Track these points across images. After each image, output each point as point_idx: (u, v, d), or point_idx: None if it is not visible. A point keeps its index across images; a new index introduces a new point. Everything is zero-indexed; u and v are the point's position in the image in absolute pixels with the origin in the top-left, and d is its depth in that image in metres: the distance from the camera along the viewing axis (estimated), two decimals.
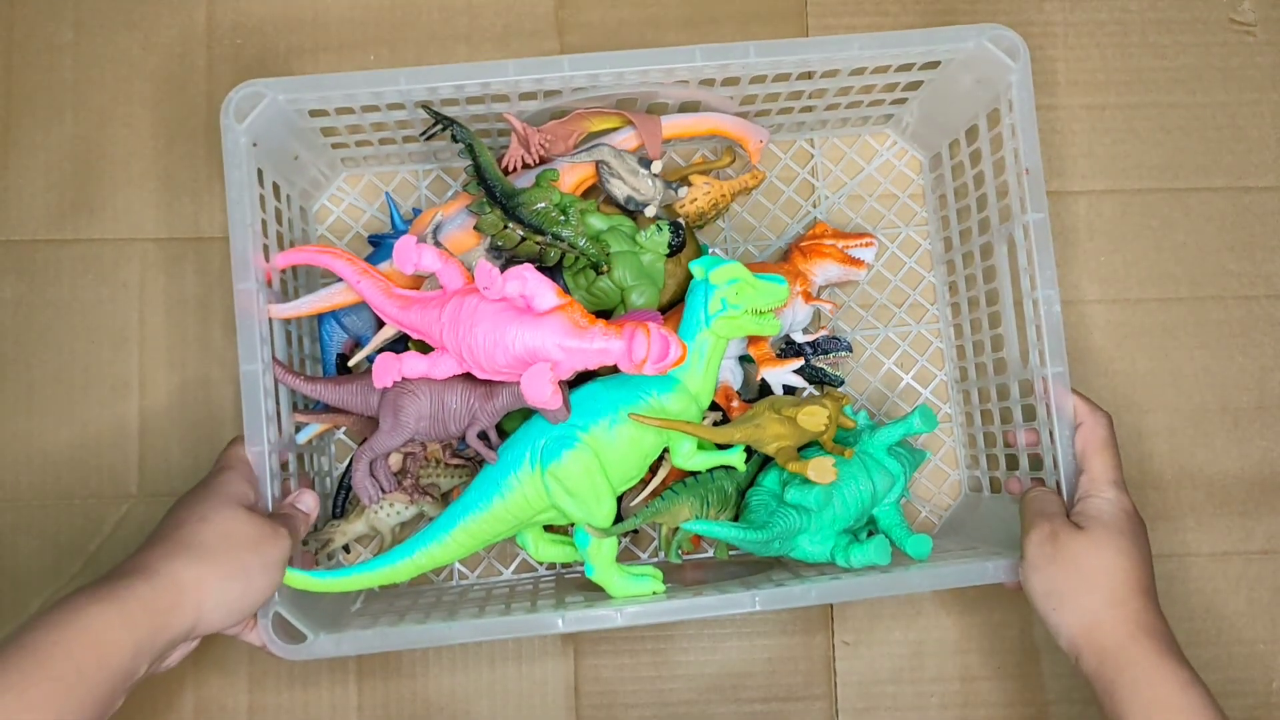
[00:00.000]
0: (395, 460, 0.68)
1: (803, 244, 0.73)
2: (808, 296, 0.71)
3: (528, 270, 0.58)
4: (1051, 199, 0.65)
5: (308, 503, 0.63)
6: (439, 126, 0.65)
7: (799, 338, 0.72)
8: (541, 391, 0.57)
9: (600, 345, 0.58)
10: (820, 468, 0.63)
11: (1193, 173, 0.78)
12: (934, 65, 0.67)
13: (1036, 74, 0.64)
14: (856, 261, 0.72)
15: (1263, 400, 0.77)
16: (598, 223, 0.66)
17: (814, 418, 0.64)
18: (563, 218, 0.65)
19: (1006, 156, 0.64)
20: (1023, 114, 0.63)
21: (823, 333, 0.74)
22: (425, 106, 0.64)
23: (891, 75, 0.68)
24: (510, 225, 0.64)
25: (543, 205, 0.64)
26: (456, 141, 0.65)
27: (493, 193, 0.64)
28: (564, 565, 0.73)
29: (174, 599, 0.52)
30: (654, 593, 0.64)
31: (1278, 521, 0.76)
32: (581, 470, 0.60)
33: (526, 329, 0.58)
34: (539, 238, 0.65)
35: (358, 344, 0.72)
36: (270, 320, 0.63)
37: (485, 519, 0.62)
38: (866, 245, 0.73)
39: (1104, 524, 0.58)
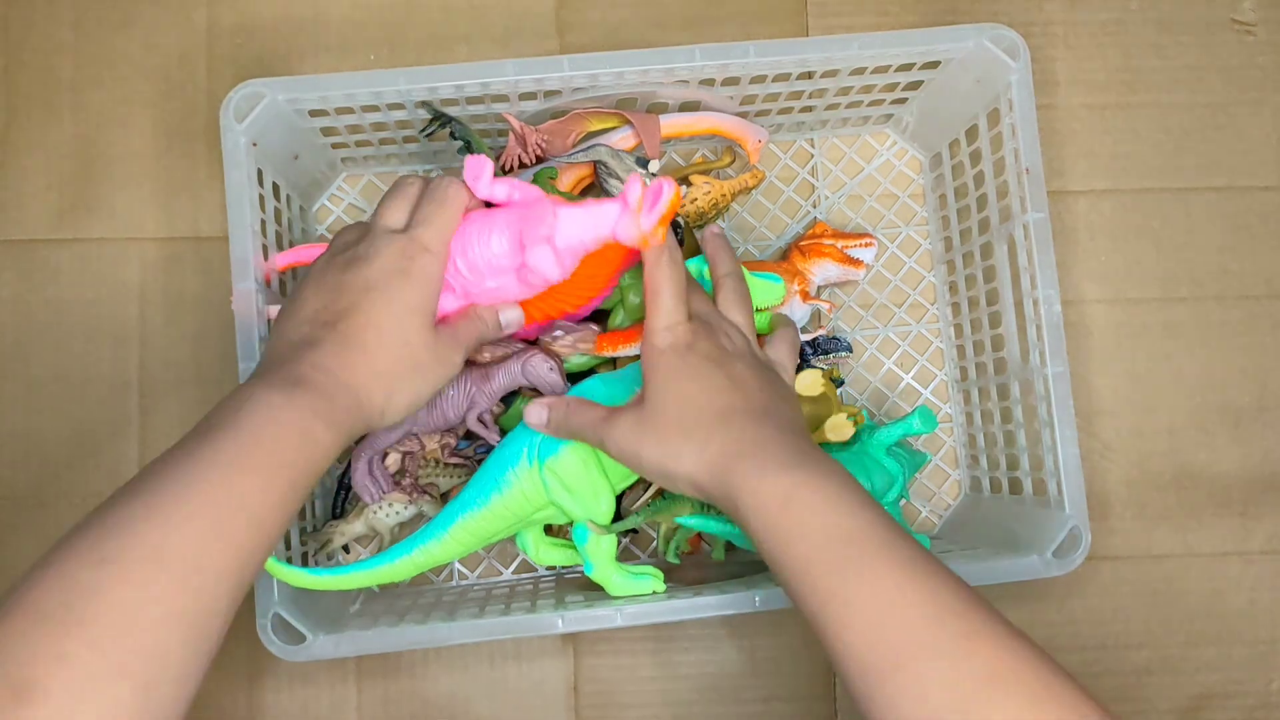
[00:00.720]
0: (394, 460, 0.68)
1: (802, 244, 0.73)
2: (805, 296, 0.71)
3: (518, 180, 0.58)
4: (1051, 199, 0.65)
5: (511, 316, 0.60)
6: (437, 124, 0.65)
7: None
8: (548, 266, 0.55)
9: (595, 207, 0.56)
10: (836, 426, 0.64)
11: (1193, 173, 0.78)
12: (934, 65, 0.67)
13: (1036, 74, 0.64)
14: (855, 261, 0.72)
15: (1263, 400, 0.77)
16: None
17: (808, 382, 0.65)
18: None
19: (1006, 156, 0.64)
20: (1023, 114, 0.63)
21: (821, 333, 0.74)
22: (425, 105, 0.64)
23: (891, 75, 0.68)
24: None
25: None
26: (455, 139, 0.65)
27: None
28: (564, 566, 0.73)
29: (364, 416, 0.53)
30: (654, 591, 0.63)
31: (1278, 521, 0.76)
32: (579, 466, 0.60)
33: (517, 211, 0.57)
34: None
35: None
36: (270, 320, 0.63)
37: (484, 516, 0.61)
38: (866, 245, 0.73)
39: (650, 382, 0.55)
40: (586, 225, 0.55)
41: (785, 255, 0.73)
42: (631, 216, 0.54)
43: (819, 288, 0.73)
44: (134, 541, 0.43)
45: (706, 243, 0.64)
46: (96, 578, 0.42)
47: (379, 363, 0.53)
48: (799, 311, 0.71)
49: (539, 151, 0.68)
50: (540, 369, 0.64)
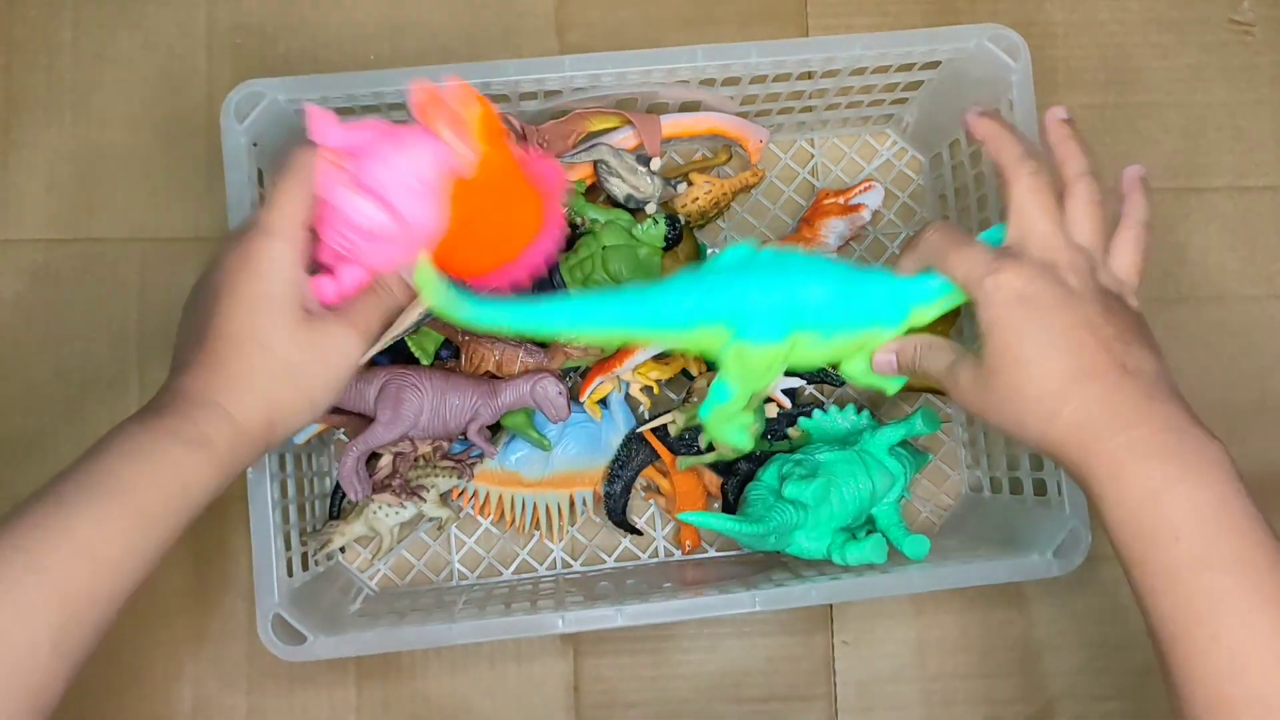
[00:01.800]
0: (386, 461, 0.68)
1: (805, 215, 0.74)
2: None
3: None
4: None
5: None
6: None
7: None
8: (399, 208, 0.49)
9: (412, 140, 0.49)
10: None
11: (1193, 173, 0.78)
12: (934, 65, 0.67)
13: (1037, 74, 0.64)
14: (855, 208, 0.73)
15: (1263, 400, 0.77)
16: (594, 213, 0.66)
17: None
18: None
19: None
20: (1023, 114, 0.63)
21: None
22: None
23: (892, 75, 0.68)
24: None
25: None
26: None
27: None
28: (564, 565, 0.73)
29: (250, 437, 0.48)
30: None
31: (1278, 521, 0.75)
32: (768, 362, 0.54)
33: (371, 161, 0.49)
34: None
35: None
36: None
37: (644, 329, 0.54)
38: (866, 189, 0.74)
39: (991, 340, 0.48)
40: (413, 159, 0.49)
41: (795, 231, 0.74)
42: (437, 140, 0.48)
43: (836, 249, 0.74)
44: None
45: (1050, 133, 0.52)
46: None
47: (241, 374, 0.48)
48: None
49: (539, 151, 0.68)
50: (549, 392, 0.64)
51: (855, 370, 0.56)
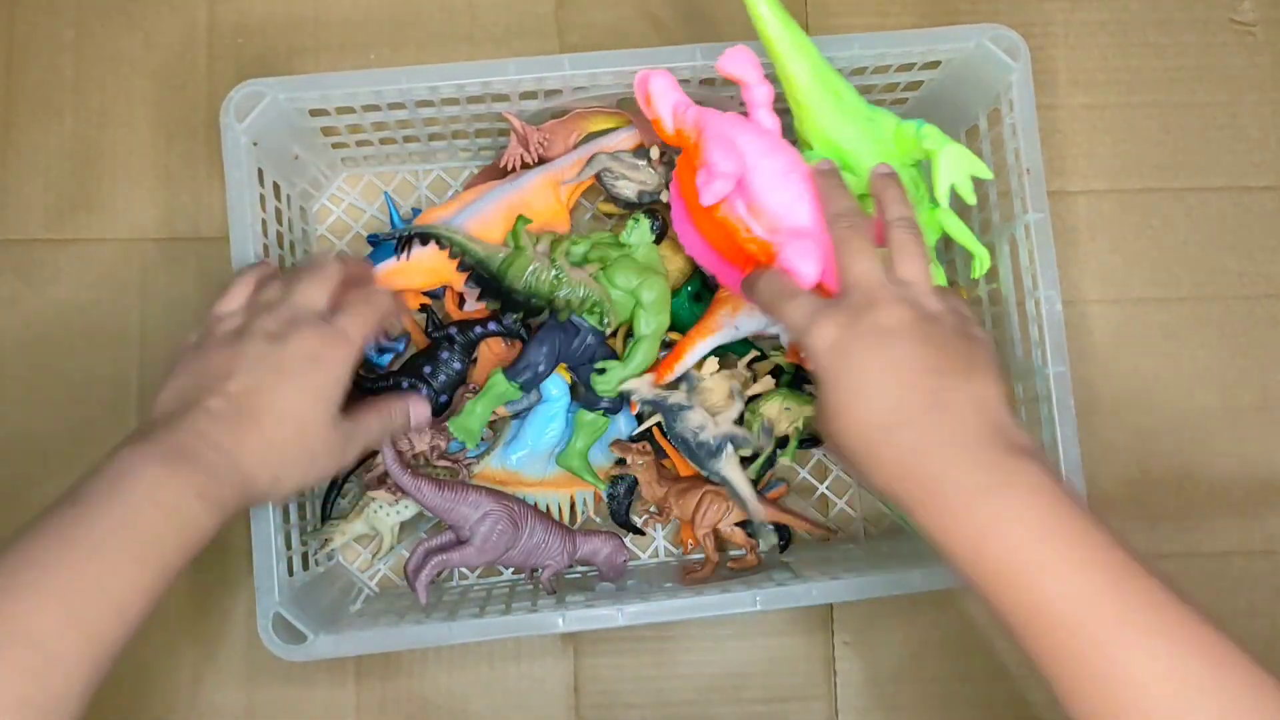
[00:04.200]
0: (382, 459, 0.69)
1: None
2: None
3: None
4: (1052, 199, 0.65)
5: (419, 413, 0.63)
6: (417, 241, 0.65)
7: None
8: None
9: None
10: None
11: (1193, 173, 0.78)
12: (934, 65, 0.67)
13: (1037, 74, 0.64)
14: None
15: (1263, 400, 0.77)
16: (579, 249, 0.66)
17: None
18: (552, 274, 0.64)
19: (1007, 156, 0.64)
20: (1023, 114, 0.63)
21: None
22: (398, 236, 0.65)
23: (892, 75, 0.68)
24: (508, 309, 0.65)
25: (531, 271, 0.64)
26: (442, 247, 0.65)
27: (487, 284, 0.65)
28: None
29: (248, 495, 0.51)
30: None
31: (1278, 521, 0.76)
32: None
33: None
34: (540, 306, 0.65)
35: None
36: None
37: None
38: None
39: (820, 390, 0.49)
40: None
41: None
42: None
43: None
44: None
45: (872, 184, 0.55)
46: None
47: (274, 445, 0.51)
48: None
49: (540, 151, 0.68)
50: (616, 559, 0.69)
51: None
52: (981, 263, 0.63)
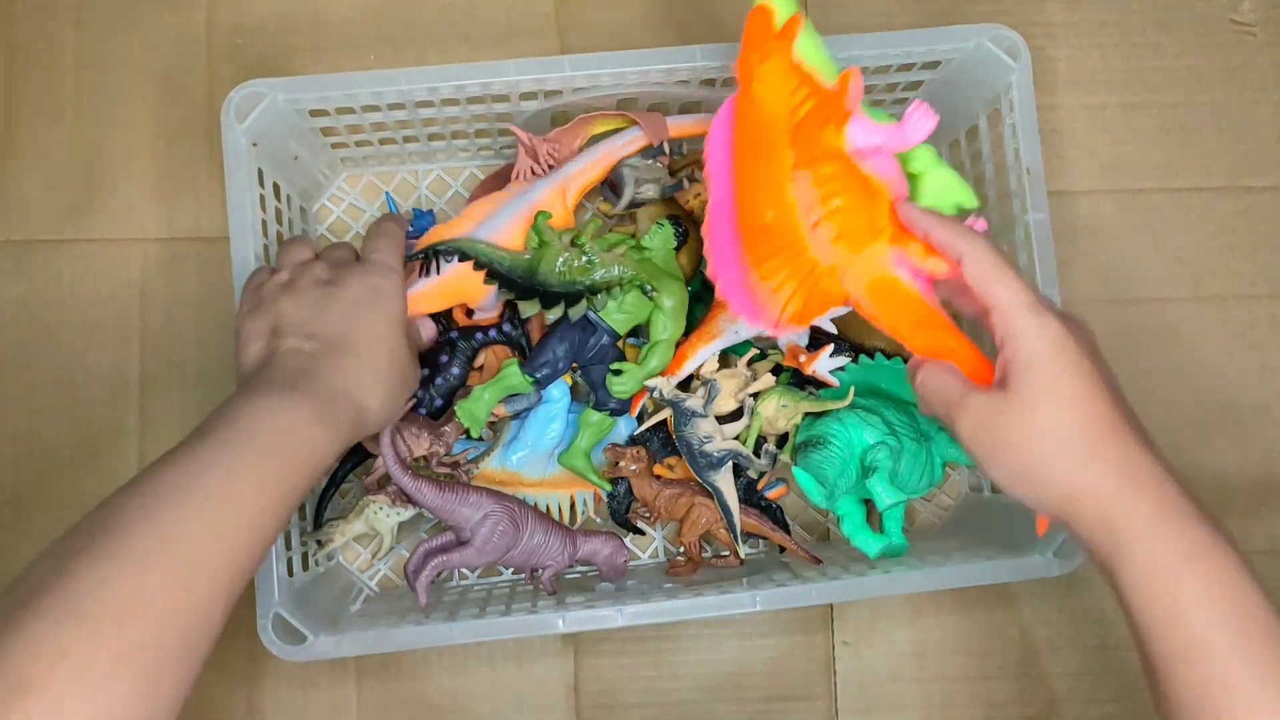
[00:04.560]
0: (382, 462, 0.69)
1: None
2: None
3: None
4: (1052, 199, 0.65)
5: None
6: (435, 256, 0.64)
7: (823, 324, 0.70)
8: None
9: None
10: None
11: (1193, 173, 0.78)
12: (934, 65, 0.67)
13: (1037, 74, 0.64)
14: None
15: (1263, 400, 0.77)
16: (606, 235, 0.66)
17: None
18: (584, 259, 0.64)
19: (1007, 156, 0.65)
20: (1023, 114, 0.63)
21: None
22: (419, 256, 0.64)
23: (892, 75, 0.68)
24: (549, 304, 0.64)
25: (562, 261, 0.63)
26: (465, 259, 0.64)
27: (514, 283, 0.64)
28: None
29: (361, 423, 0.55)
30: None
31: (1278, 521, 0.76)
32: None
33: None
34: (581, 291, 0.64)
35: None
36: None
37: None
38: None
39: (1030, 374, 0.47)
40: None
41: None
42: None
43: None
44: (133, 540, 0.44)
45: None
46: (97, 574, 0.42)
47: (373, 369, 0.56)
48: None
49: (550, 161, 0.67)
50: (616, 559, 0.68)
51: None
52: None
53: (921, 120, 0.53)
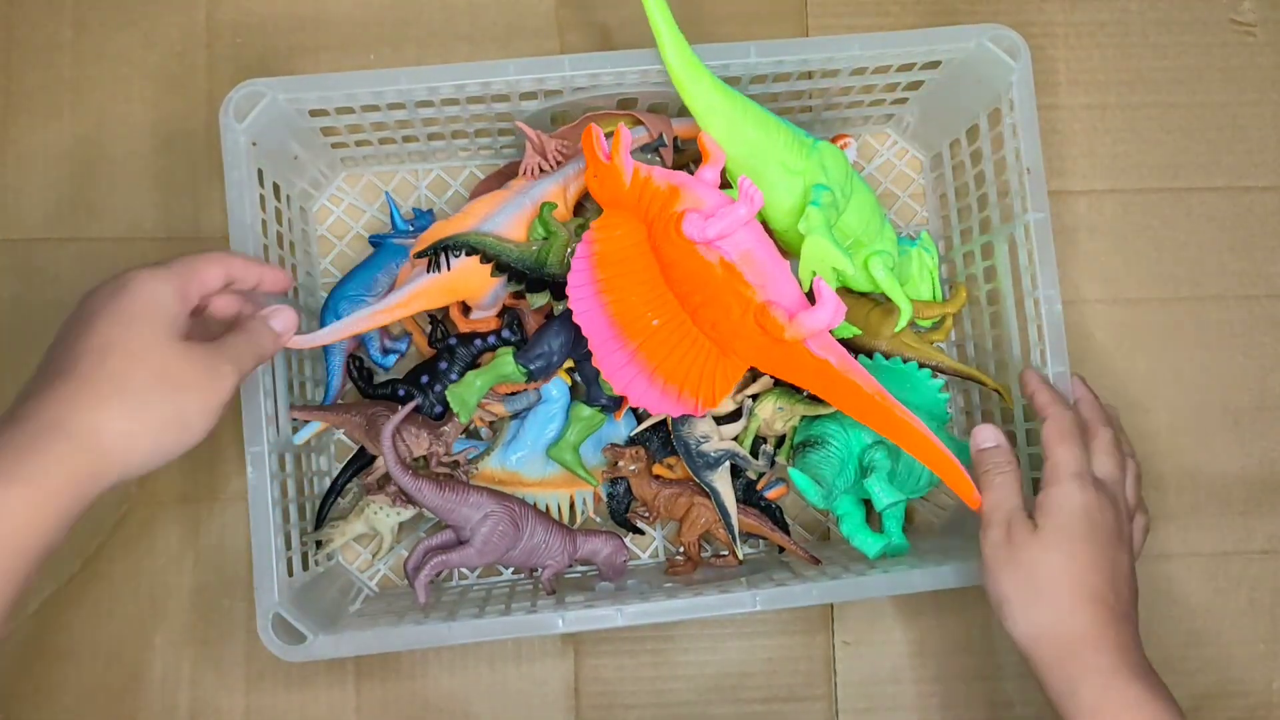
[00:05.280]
0: (381, 463, 0.69)
1: None
2: None
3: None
4: (1052, 199, 0.65)
5: (283, 320, 0.54)
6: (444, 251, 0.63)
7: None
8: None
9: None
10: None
11: (1193, 173, 0.78)
12: (934, 65, 0.67)
13: (1037, 74, 0.64)
14: None
15: (1263, 400, 0.77)
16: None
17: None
18: None
19: (1007, 156, 0.64)
20: (1023, 114, 0.63)
21: None
22: (428, 252, 0.63)
23: (892, 75, 0.68)
24: (559, 295, 0.63)
25: (570, 251, 0.63)
26: (472, 253, 0.63)
27: (521, 274, 0.63)
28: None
29: (98, 462, 0.44)
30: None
31: (1278, 521, 0.76)
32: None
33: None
34: None
35: (362, 344, 0.72)
36: None
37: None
38: (843, 147, 0.73)
39: (1057, 523, 0.55)
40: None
41: None
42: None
43: None
44: None
45: (1074, 390, 0.63)
46: None
47: (101, 385, 0.45)
48: None
49: (559, 158, 0.67)
50: (616, 559, 0.68)
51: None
52: (904, 315, 0.67)
53: (748, 195, 0.57)
